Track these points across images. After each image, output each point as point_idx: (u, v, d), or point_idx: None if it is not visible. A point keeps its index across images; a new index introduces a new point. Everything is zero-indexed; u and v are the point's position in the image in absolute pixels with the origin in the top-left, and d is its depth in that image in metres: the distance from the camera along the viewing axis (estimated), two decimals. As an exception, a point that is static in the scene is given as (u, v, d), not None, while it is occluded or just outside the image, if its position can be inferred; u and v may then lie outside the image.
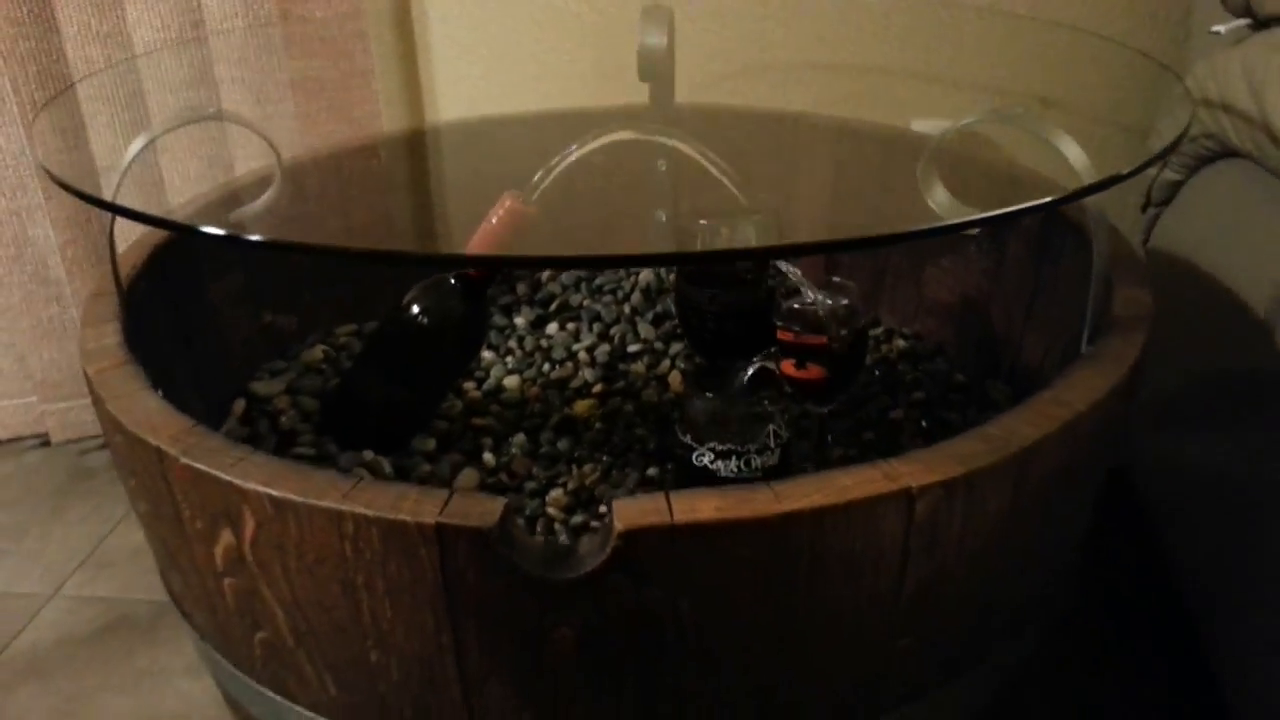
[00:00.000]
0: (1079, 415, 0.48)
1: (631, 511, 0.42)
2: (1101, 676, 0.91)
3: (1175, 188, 0.90)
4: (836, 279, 0.68)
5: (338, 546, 0.44)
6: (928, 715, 0.52)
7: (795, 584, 0.44)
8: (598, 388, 0.86)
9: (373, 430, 0.77)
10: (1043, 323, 0.77)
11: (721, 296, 0.71)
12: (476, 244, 0.71)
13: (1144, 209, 0.96)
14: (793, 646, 0.46)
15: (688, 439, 0.68)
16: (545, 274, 1.03)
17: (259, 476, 0.45)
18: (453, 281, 0.73)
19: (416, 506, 0.42)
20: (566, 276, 1.02)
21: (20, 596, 1.11)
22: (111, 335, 0.57)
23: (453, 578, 0.42)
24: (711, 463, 0.67)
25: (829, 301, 0.67)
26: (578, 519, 0.68)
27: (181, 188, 1.17)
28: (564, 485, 0.73)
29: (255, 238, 0.57)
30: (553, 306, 0.98)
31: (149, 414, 0.49)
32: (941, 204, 0.54)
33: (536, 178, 0.71)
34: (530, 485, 0.72)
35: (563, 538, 0.66)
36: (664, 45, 0.89)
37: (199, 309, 0.75)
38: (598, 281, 1.02)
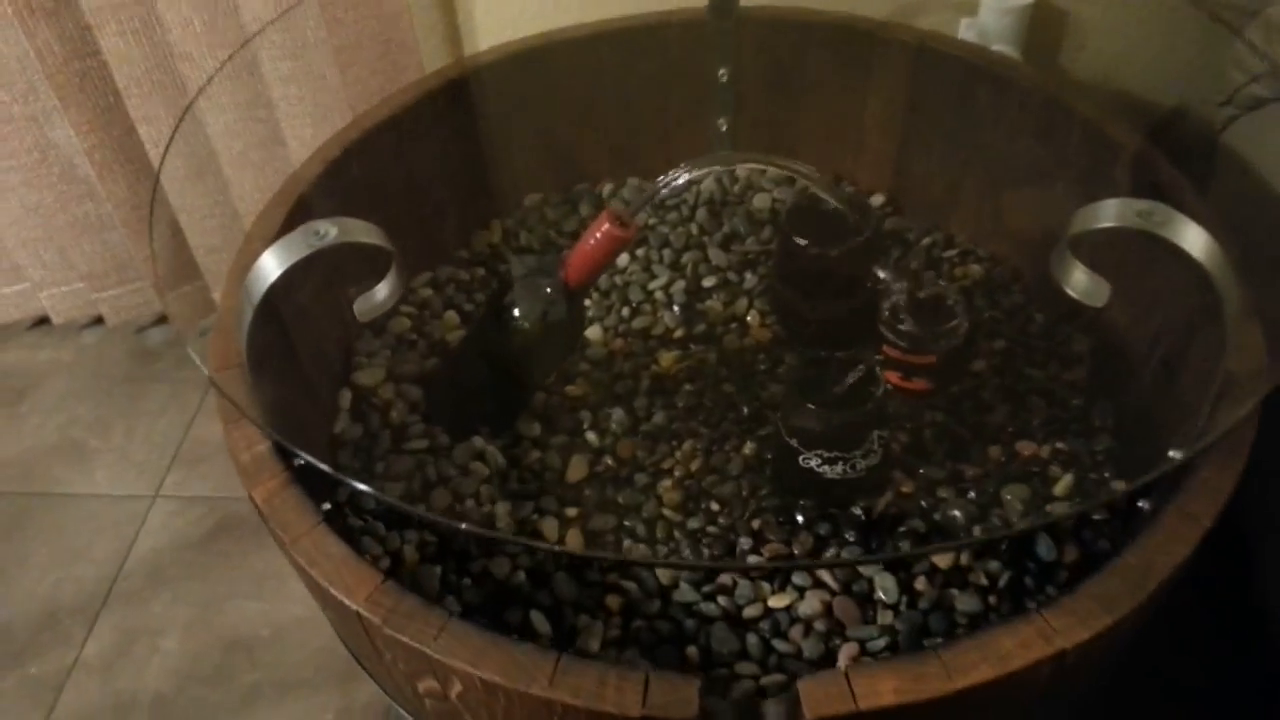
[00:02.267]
0: (1206, 531, 0.52)
1: (818, 697, 0.47)
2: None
3: (1260, 101, 0.87)
4: (942, 282, 0.68)
5: (545, 715, 0.49)
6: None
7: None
8: (679, 333, 0.88)
9: (478, 418, 0.80)
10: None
11: (824, 305, 0.71)
12: (574, 266, 0.71)
13: (1221, 105, 0.93)
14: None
15: (794, 443, 0.72)
16: (606, 191, 1.00)
17: (463, 654, 0.49)
18: (547, 290, 0.73)
19: (619, 696, 0.47)
20: (628, 191, 1.00)
21: (124, 499, 1.18)
22: (261, 441, 0.59)
23: (655, 745, 0.48)
24: (818, 466, 0.72)
25: (938, 325, 0.67)
26: (694, 524, 0.73)
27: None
28: (670, 472, 0.77)
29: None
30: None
31: (337, 566, 0.53)
32: (1081, 289, 0.53)
33: (636, 202, 0.69)
34: (640, 479, 0.76)
35: (685, 551, 0.71)
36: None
37: (294, 315, 0.75)
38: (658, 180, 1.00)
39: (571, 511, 0.75)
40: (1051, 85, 0.83)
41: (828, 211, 0.68)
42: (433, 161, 0.93)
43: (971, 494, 0.74)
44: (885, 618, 0.66)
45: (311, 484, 0.60)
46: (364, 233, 0.62)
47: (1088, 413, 0.79)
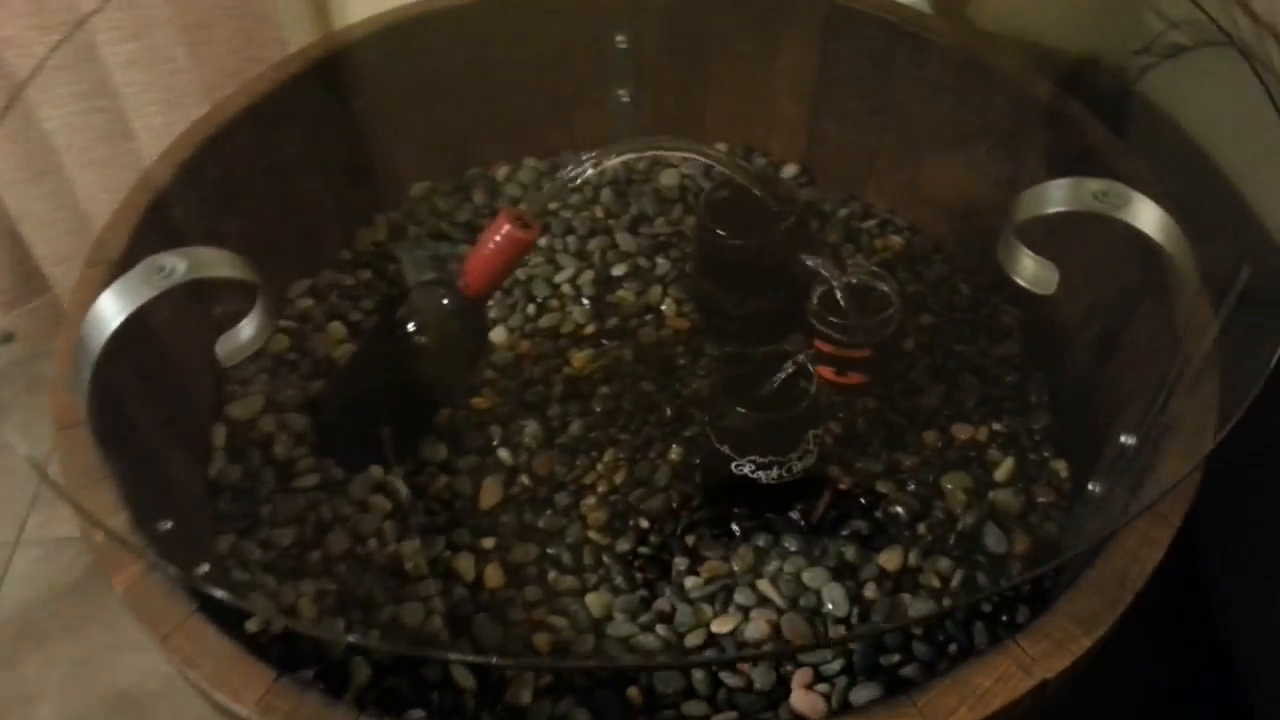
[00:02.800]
0: (1177, 530, 0.49)
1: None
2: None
3: (1179, 49, 0.84)
4: (874, 268, 0.63)
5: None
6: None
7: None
8: (590, 329, 0.81)
9: (375, 445, 0.72)
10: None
11: (748, 299, 0.65)
12: (474, 273, 0.63)
13: (1137, 53, 0.90)
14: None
15: (725, 449, 0.66)
16: (502, 174, 0.92)
17: (377, 759, 0.42)
18: (445, 301, 0.65)
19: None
20: (525, 175, 0.92)
21: (-17, 546, 1.06)
22: (117, 511, 0.50)
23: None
24: (752, 472, 0.66)
25: (869, 320, 0.62)
26: (623, 545, 0.67)
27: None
28: (593, 488, 0.71)
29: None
30: (516, 214, 0.89)
31: (219, 665, 0.45)
32: (1030, 276, 0.49)
33: (537, 199, 0.62)
34: (561, 499, 0.70)
35: (617, 578, 0.65)
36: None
37: (149, 345, 0.66)
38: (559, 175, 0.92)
39: (488, 543, 0.68)
40: (970, 42, 0.79)
41: (747, 197, 0.61)
42: (303, 154, 0.83)
43: (911, 486, 0.70)
44: (837, 633, 0.61)
45: (183, 551, 0.52)
46: (220, 264, 0.53)
47: (1023, 389, 0.75)
